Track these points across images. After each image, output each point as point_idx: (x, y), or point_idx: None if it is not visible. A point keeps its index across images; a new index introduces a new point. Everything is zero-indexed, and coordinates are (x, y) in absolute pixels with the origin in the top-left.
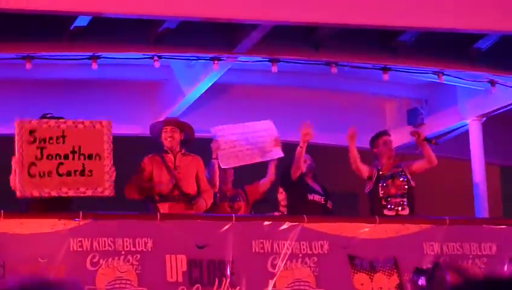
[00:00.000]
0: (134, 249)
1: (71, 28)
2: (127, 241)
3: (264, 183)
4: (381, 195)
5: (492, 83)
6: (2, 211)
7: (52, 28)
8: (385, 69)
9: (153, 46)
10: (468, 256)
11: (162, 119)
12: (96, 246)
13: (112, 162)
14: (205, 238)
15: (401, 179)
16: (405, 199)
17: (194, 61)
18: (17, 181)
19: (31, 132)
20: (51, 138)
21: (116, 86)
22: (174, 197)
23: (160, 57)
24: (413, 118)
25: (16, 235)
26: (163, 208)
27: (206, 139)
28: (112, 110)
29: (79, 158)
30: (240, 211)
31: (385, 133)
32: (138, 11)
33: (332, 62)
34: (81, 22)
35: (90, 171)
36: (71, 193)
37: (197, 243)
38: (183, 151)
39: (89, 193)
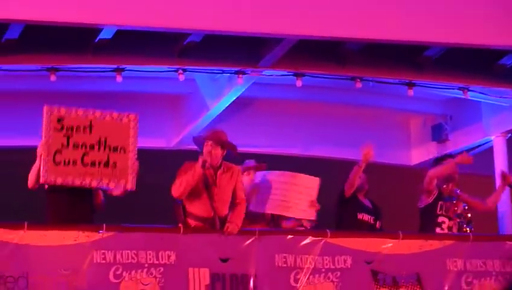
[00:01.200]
0: (157, 261)
1: (96, 40)
2: (150, 254)
3: None
4: (438, 213)
5: None
6: (26, 222)
7: (77, 40)
8: (410, 85)
9: (177, 59)
10: (491, 273)
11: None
12: (119, 259)
13: (136, 156)
14: (228, 252)
15: (461, 205)
16: (457, 223)
17: (218, 74)
18: (41, 167)
19: (59, 120)
20: (78, 127)
21: (140, 99)
22: (205, 219)
23: (184, 70)
24: (438, 133)
25: (38, 247)
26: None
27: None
28: None
29: (104, 149)
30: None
31: (451, 156)
32: (163, 24)
33: (357, 77)
34: (106, 34)
35: (114, 163)
36: (94, 184)
37: (220, 257)
38: (224, 166)
39: (112, 185)
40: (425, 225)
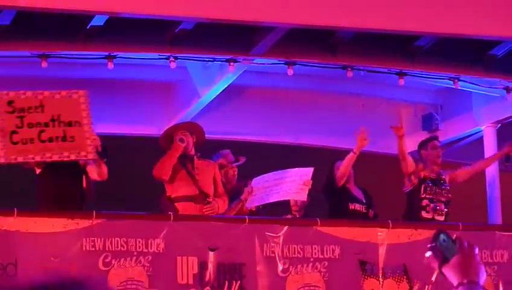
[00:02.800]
0: (146, 250)
1: (87, 27)
2: (139, 242)
3: None
4: (422, 196)
5: (508, 89)
6: (15, 209)
7: (69, 27)
8: (401, 74)
9: (169, 47)
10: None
11: (175, 122)
12: (108, 246)
13: (91, 128)
14: (217, 241)
15: (443, 187)
16: (443, 206)
17: (210, 62)
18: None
19: (10, 103)
20: (29, 108)
21: (131, 86)
22: (193, 197)
23: (176, 58)
24: (428, 123)
25: (28, 233)
26: (182, 208)
27: (221, 141)
28: (127, 111)
29: (59, 126)
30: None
31: (435, 138)
32: (155, 12)
33: (349, 66)
34: (98, 21)
35: (72, 137)
36: (55, 158)
37: (208, 246)
38: (198, 154)
39: (73, 156)
40: (410, 208)
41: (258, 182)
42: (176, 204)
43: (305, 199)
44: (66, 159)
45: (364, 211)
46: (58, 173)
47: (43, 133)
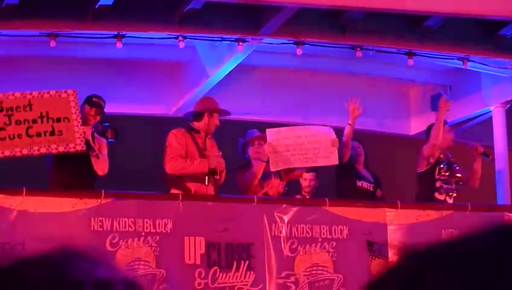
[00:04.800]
0: (154, 230)
1: (96, 6)
2: (147, 223)
3: None
4: (437, 177)
5: None
6: (24, 188)
7: (77, 6)
8: (410, 54)
9: (178, 26)
10: None
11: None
12: (116, 227)
13: (80, 124)
14: (224, 221)
15: (455, 169)
16: (454, 188)
17: (218, 42)
18: None
19: None
20: (18, 107)
21: (140, 65)
22: (204, 177)
23: (185, 37)
24: (437, 103)
25: (36, 213)
26: (193, 188)
27: (230, 121)
28: (136, 90)
29: (48, 121)
30: (273, 189)
31: (446, 122)
32: None
33: (358, 46)
34: (107, 0)
35: (60, 131)
36: (43, 150)
37: (216, 225)
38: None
39: (61, 149)
40: (424, 190)
41: (274, 136)
42: (186, 183)
43: (337, 162)
44: (54, 151)
45: (372, 189)
46: (69, 170)
47: (30, 129)
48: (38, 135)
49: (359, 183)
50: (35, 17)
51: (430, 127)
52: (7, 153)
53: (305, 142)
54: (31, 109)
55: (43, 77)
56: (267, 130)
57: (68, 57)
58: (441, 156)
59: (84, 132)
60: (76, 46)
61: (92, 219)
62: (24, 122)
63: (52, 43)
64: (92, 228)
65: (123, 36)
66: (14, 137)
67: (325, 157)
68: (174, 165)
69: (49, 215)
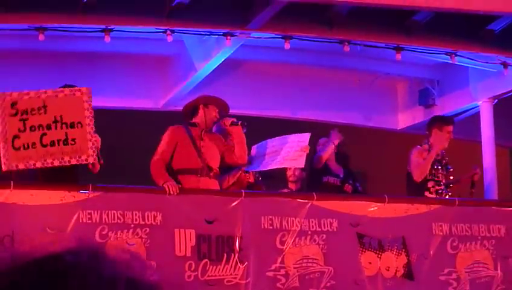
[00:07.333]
0: (143, 222)
1: (85, 0)
2: (136, 215)
3: None
4: (429, 177)
5: (505, 65)
6: (11, 181)
7: (66, 0)
8: (398, 49)
9: (166, 21)
10: (477, 237)
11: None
12: (105, 219)
13: (93, 129)
14: (214, 213)
15: (450, 169)
16: (445, 189)
17: (206, 36)
18: (1, 155)
19: (13, 105)
20: (32, 109)
21: (128, 59)
22: (196, 170)
23: (173, 32)
24: (425, 98)
25: (25, 206)
26: (185, 180)
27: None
28: (124, 84)
29: (61, 127)
30: (250, 177)
31: (453, 122)
32: None
33: (345, 40)
34: None
35: (73, 139)
36: (56, 163)
37: (206, 218)
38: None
39: (74, 161)
40: (413, 188)
41: (257, 150)
42: (178, 176)
43: (303, 166)
44: (67, 164)
45: (338, 184)
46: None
47: (45, 136)
48: (52, 144)
49: (325, 179)
50: (23, 11)
51: (435, 123)
52: (21, 165)
53: (280, 149)
54: (45, 112)
55: (32, 70)
56: (253, 148)
57: (57, 51)
58: (438, 157)
59: (96, 140)
60: (65, 40)
61: (80, 211)
62: (38, 128)
63: (41, 37)
64: (81, 221)
65: (111, 30)
66: (28, 147)
67: (292, 159)
68: (152, 163)
69: (37, 208)
